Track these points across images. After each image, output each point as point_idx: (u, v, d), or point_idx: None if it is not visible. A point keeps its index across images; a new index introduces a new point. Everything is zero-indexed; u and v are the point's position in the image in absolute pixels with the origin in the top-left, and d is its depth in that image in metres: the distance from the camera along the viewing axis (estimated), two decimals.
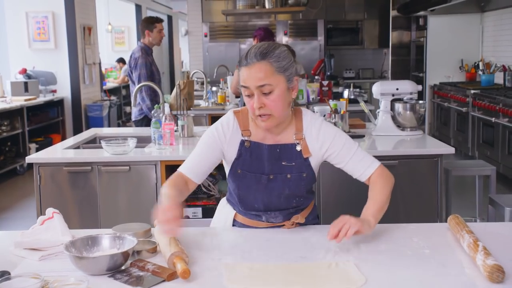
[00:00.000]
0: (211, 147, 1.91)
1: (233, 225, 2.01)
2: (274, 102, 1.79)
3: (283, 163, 1.89)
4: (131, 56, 5.04)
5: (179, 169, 1.92)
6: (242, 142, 1.90)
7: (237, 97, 5.35)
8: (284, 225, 1.95)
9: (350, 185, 3.11)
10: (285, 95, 1.81)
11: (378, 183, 1.88)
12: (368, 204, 1.83)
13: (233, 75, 5.39)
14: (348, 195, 3.14)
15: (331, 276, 1.49)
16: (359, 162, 1.91)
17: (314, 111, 3.48)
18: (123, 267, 1.55)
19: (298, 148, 1.89)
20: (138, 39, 5.20)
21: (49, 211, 1.80)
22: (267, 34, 5.05)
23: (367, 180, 1.92)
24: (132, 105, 4.76)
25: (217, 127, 1.93)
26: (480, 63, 7.40)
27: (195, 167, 1.91)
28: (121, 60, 11.41)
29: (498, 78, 7.08)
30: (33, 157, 3.21)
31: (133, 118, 5.13)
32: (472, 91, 6.69)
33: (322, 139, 1.90)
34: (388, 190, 1.88)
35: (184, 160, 3.14)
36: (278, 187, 1.90)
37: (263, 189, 1.90)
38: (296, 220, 1.93)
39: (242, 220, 1.99)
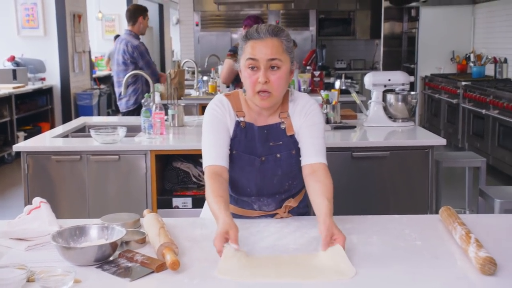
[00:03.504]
0: (219, 128, 1.88)
1: None
2: (279, 79, 1.81)
3: (271, 144, 1.91)
4: (126, 45, 4.89)
5: (207, 164, 1.84)
6: (238, 123, 1.91)
7: (227, 86, 5.31)
8: (277, 213, 1.95)
9: (339, 177, 3.11)
10: (287, 76, 1.85)
11: (328, 181, 1.81)
12: (328, 208, 1.68)
13: (223, 64, 5.34)
14: (336, 187, 3.13)
15: (322, 267, 1.48)
16: (316, 146, 1.88)
17: None
18: (111, 258, 1.53)
19: (283, 126, 1.92)
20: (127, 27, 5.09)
21: (36, 200, 1.77)
22: (257, 22, 4.99)
23: (309, 166, 1.86)
24: (122, 93, 4.71)
25: (213, 107, 1.92)
26: (471, 55, 7.41)
27: (219, 153, 1.85)
28: None
29: (489, 70, 7.10)
30: (20, 146, 3.17)
31: (122, 109, 5.04)
32: (463, 83, 6.70)
33: (305, 112, 1.91)
34: (331, 182, 1.83)
35: (174, 150, 3.16)
36: (271, 168, 1.91)
37: (256, 172, 1.91)
38: (289, 204, 1.95)
39: (233, 210, 1.97)
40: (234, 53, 4.55)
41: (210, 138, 1.88)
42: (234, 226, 1.56)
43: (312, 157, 1.87)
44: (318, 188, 1.78)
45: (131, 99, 4.92)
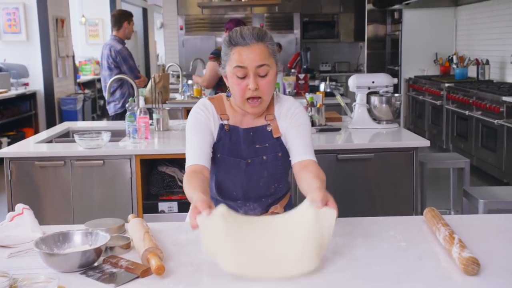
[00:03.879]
0: (202, 129, 1.89)
1: None
2: (268, 84, 1.82)
3: (257, 146, 1.91)
4: (110, 50, 4.94)
5: (188, 164, 1.86)
6: (222, 126, 1.91)
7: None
8: None
9: (326, 179, 3.11)
10: (275, 79, 1.86)
11: (319, 172, 1.80)
12: (321, 184, 1.68)
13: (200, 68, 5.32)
14: None
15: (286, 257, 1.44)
16: (304, 145, 1.89)
17: None
18: (95, 264, 1.52)
19: (269, 128, 1.92)
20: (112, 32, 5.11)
21: (19, 207, 1.76)
22: (239, 26, 4.85)
23: (299, 163, 1.86)
24: (106, 98, 4.71)
25: (197, 111, 1.92)
26: (454, 57, 7.48)
27: (200, 154, 1.85)
28: None
29: (472, 72, 7.17)
30: (4, 151, 3.13)
31: (111, 113, 5.06)
32: (446, 85, 6.76)
33: (291, 114, 1.93)
34: (323, 174, 1.81)
35: (159, 154, 3.15)
36: (256, 171, 1.91)
37: (242, 174, 1.91)
38: (275, 210, 1.96)
39: None
40: (217, 56, 4.52)
41: (193, 140, 1.88)
42: (202, 199, 1.51)
43: (301, 154, 1.88)
44: (309, 175, 1.77)
45: (119, 103, 4.97)
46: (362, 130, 3.50)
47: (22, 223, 1.70)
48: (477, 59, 6.95)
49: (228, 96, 1.94)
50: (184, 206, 3.25)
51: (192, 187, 1.69)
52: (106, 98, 4.73)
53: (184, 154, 1.96)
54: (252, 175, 1.92)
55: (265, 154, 1.91)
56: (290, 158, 1.93)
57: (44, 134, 3.74)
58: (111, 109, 5.04)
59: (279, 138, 1.93)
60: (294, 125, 1.92)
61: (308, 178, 1.76)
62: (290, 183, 2.10)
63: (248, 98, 1.83)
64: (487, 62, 6.80)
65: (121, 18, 5.02)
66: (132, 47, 5.13)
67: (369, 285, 1.40)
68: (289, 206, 2.08)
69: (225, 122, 1.91)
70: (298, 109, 1.95)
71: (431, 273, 1.45)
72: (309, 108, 3.56)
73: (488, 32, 6.96)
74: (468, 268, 1.41)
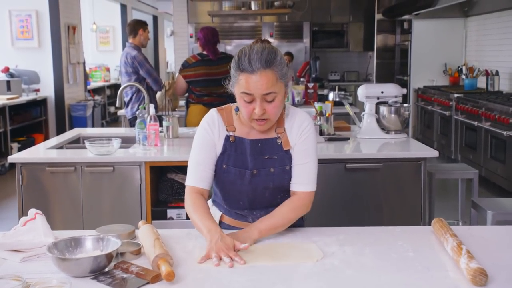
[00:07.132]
0: (207, 148, 1.92)
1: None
2: (275, 108, 1.82)
3: (266, 158, 1.91)
4: (126, 57, 5.00)
5: (189, 184, 1.92)
6: (227, 137, 1.92)
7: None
8: None
9: (333, 189, 3.13)
10: (283, 101, 1.85)
11: (290, 206, 1.89)
12: (266, 218, 1.85)
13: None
14: (332, 198, 3.15)
15: (291, 252, 1.67)
16: (302, 173, 1.91)
17: None
18: (106, 269, 1.54)
19: (279, 141, 1.92)
20: (124, 39, 5.20)
21: (32, 212, 1.78)
22: (213, 34, 4.59)
23: (293, 192, 1.93)
24: (117, 104, 4.75)
25: (204, 126, 1.94)
26: (464, 67, 7.48)
27: (202, 176, 1.91)
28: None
29: (481, 83, 7.17)
30: (15, 157, 3.17)
31: (129, 116, 5.13)
32: (456, 95, 6.75)
33: (301, 132, 1.92)
34: (293, 217, 1.88)
35: (168, 162, 3.17)
36: (262, 182, 1.91)
37: (248, 184, 1.91)
38: None
39: (228, 221, 2.01)
40: (184, 67, 4.57)
41: (197, 157, 1.93)
42: (224, 241, 1.68)
43: (299, 184, 1.92)
44: (280, 207, 1.89)
45: (135, 106, 5.03)
46: (370, 140, 3.51)
47: (35, 228, 1.72)
48: (486, 70, 6.95)
49: (236, 111, 1.94)
50: None
51: (201, 214, 1.81)
52: (116, 105, 4.78)
53: None
54: (257, 186, 1.92)
55: (272, 166, 1.91)
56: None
57: (54, 140, 3.77)
58: (128, 112, 5.13)
59: (288, 151, 1.92)
60: (300, 149, 1.91)
61: (272, 213, 1.87)
62: None
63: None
64: (497, 73, 6.80)
65: (136, 26, 5.15)
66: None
67: None
68: None
69: (231, 133, 1.92)
70: (308, 127, 1.93)
71: (439, 283, 1.46)
72: (318, 117, 3.58)
73: (498, 43, 6.95)
74: (476, 278, 1.41)
